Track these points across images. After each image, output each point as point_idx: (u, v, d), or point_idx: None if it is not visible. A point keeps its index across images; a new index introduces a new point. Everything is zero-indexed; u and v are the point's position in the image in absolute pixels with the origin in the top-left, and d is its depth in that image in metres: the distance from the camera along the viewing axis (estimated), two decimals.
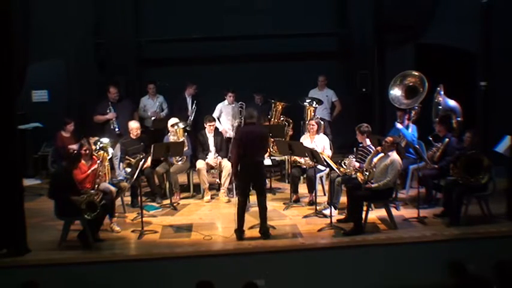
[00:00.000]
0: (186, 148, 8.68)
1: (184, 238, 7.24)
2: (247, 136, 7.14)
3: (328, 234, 7.21)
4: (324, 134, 8.89)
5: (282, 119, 9.60)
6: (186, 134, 8.86)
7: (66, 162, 7.34)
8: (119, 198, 7.99)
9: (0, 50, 6.46)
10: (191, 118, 9.56)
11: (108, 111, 9.47)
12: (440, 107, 8.51)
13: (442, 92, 8.52)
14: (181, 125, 8.71)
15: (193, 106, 9.82)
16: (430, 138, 8.18)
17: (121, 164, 8.34)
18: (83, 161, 7.34)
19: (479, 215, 7.48)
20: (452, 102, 8.54)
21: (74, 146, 8.70)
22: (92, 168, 7.34)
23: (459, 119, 8.47)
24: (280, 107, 9.58)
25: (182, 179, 9.12)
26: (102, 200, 6.90)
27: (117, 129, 9.39)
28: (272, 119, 9.59)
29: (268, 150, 9.12)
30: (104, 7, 10.81)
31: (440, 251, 6.73)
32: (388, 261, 6.72)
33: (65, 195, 6.85)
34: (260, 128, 7.69)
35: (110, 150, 7.82)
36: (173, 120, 8.81)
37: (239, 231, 7.08)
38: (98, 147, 7.65)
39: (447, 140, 7.98)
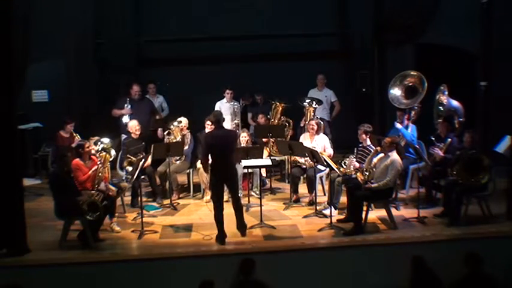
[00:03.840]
0: (186, 147, 8.69)
1: (184, 238, 7.24)
2: (219, 141, 7.05)
3: (328, 234, 7.21)
4: (324, 134, 8.88)
5: (282, 119, 9.60)
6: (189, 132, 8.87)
7: (60, 162, 7.31)
8: (119, 198, 7.99)
9: (0, 50, 6.46)
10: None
11: (125, 105, 9.32)
12: (441, 107, 8.51)
13: (446, 92, 8.51)
14: (176, 124, 8.70)
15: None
16: (433, 138, 8.18)
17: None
18: (82, 162, 7.33)
19: (479, 215, 7.48)
20: (455, 103, 8.54)
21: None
22: (93, 169, 7.33)
23: (461, 119, 8.48)
24: (281, 108, 9.57)
25: (182, 179, 9.13)
26: (104, 200, 6.89)
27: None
28: (272, 120, 9.60)
29: (268, 150, 9.15)
30: (104, 7, 10.81)
31: (440, 251, 6.72)
32: (388, 261, 6.71)
33: (63, 196, 6.85)
34: (229, 132, 7.65)
35: (113, 152, 7.76)
36: (183, 120, 8.81)
37: (223, 236, 6.98)
38: (99, 148, 7.61)
39: (449, 140, 7.98)
